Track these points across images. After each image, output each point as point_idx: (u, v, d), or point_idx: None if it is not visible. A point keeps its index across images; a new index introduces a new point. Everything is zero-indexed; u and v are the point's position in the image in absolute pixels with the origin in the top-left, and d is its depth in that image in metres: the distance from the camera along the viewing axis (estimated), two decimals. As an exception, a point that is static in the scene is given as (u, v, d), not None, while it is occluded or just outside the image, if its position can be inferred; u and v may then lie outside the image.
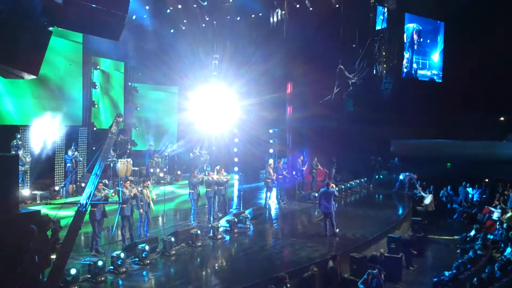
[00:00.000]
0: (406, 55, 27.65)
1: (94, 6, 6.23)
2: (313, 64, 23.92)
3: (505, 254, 12.42)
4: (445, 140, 26.24)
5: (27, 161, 14.94)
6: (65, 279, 8.52)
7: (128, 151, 19.21)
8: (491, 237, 15.08)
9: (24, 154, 14.72)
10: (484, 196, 21.80)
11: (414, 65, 28.42)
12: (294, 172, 20.63)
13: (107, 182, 15.25)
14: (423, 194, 19.16)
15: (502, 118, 27.85)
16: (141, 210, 12.22)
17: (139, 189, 12.35)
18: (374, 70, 23.08)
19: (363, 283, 10.65)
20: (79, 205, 8.60)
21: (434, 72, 29.62)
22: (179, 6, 21.64)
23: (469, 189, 22.42)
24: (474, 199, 21.76)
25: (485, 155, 24.15)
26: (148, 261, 10.55)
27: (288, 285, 9.44)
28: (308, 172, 20.68)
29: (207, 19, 23.16)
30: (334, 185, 14.20)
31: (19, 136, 15.01)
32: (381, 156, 24.92)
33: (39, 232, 7.67)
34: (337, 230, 13.53)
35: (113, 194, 11.70)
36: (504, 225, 16.29)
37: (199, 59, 23.87)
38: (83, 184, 16.04)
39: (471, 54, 25.38)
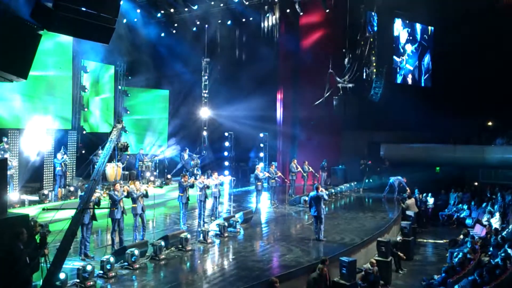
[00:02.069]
0: (396, 59, 27.86)
1: (84, 9, 6.22)
2: (304, 68, 24.06)
3: (502, 254, 12.45)
4: (434, 144, 26.41)
5: (13, 165, 14.82)
6: (54, 284, 8.44)
7: (128, 156, 19.21)
8: (480, 241, 15.17)
9: (11, 158, 14.60)
10: (473, 201, 21.98)
11: (404, 70, 28.64)
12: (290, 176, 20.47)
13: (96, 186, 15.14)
14: (405, 195, 19.33)
15: (489, 123, 28.11)
16: (140, 201, 12.15)
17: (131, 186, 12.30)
18: (364, 75, 23.23)
19: (361, 279, 10.76)
20: (76, 210, 8.58)
21: (424, 76, 29.86)
22: (172, 10, 21.65)
23: (459, 193, 22.57)
24: (463, 203, 21.89)
25: (473, 159, 24.33)
26: (137, 266, 10.49)
27: (278, 289, 9.42)
28: (300, 176, 20.67)
29: (198, 23, 23.18)
30: (323, 189, 14.20)
31: (6, 139, 14.88)
32: (371, 160, 25.03)
33: (28, 235, 7.64)
34: (324, 238, 13.49)
35: (104, 195, 11.68)
36: (492, 229, 16.42)
37: (190, 62, 23.89)
38: (71, 188, 15.98)
39: (460, 60, 25.62)
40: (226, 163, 24.87)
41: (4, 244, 6.98)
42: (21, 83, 9.73)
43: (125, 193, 11.86)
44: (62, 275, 8.71)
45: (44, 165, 16.87)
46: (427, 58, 29.95)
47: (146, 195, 12.39)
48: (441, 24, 28.18)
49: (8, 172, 14.09)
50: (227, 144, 24.86)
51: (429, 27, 29.83)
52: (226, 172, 23.17)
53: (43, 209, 10.99)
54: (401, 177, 20.72)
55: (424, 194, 21.47)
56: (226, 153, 25.00)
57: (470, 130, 26.59)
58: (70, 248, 8.09)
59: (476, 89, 25.30)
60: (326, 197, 13.68)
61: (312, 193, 13.53)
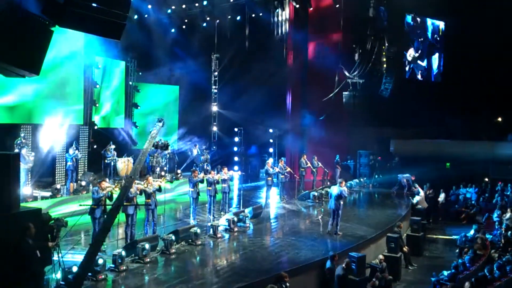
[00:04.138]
0: (407, 55, 27.66)
1: (95, 5, 6.27)
2: (313, 63, 24.01)
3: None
4: (444, 139, 26.24)
5: (31, 159, 14.98)
6: (66, 277, 8.57)
7: (168, 154, 19.30)
8: (490, 237, 15.11)
9: (28, 152, 14.77)
10: (483, 196, 21.87)
11: (414, 65, 28.43)
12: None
13: (107, 180, 15.28)
14: (415, 191, 19.24)
15: (499, 119, 27.87)
16: (153, 196, 12.24)
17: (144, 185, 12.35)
18: (374, 70, 23.13)
19: (372, 285, 10.76)
20: (113, 205, 8.67)
21: (434, 72, 29.62)
22: (183, 6, 21.76)
23: (470, 189, 22.44)
24: (473, 199, 21.78)
25: (484, 155, 24.16)
26: (148, 260, 10.59)
27: (288, 284, 9.46)
28: (310, 171, 20.65)
29: (208, 19, 23.23)
30: (345, 186, 14.31)
31: (23, 134, 15.06)
32: (381, 155, 24.93)
33: (40, 229, 7.75)
34: (340, 233, 13.60)
35: (116, 189, 11.76)
36: (503, 225, 16.32)
37: (200, 58, 23.94)
38: (83, 183, 16.12)
39: (471, 55, 25.40)
40: (236, 158, 24.92)
41: (16, 238, 7.08)
42: (33, 79, 9.81)
43: (138, 192, 11.92)
44: (74, 268, 8.83)
45: (56, 160, 17.04)
46: (438, 54, 29.71)
47: (159, 190, 12.46)
48: (453, 19, 27.93)
49: (25, 166, 14.27)
50: (236, 139, 24.91)
51: (441, 22, 29.58)
52: (236, 167, 23.21)
53: (80, 205, 11.16)
54: (409, 174, 20.66)
55: (431, 190, 21.26)
56: (235, 149, 25.04)
57: (480, 125, 26.38)
58: (103, 244, 8.19)
59: (487, 84, 25.10)
60: (345, 193, 13.76)
61: (334, 187, 13.67)
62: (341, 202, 13.63)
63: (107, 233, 8.50)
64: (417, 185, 19.35)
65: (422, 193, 18.76)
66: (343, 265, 10.37)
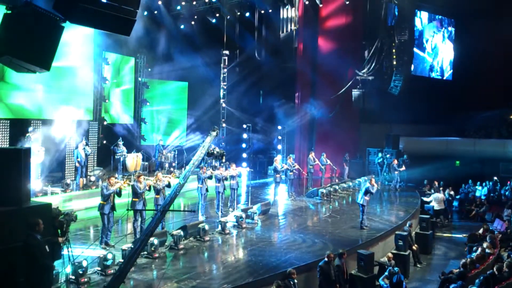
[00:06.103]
0: (417, 52, 27.52)
1: (106, 1, 6.29)
2: (323, 60, 23.94)
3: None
4: (454, 137, 26.09)
5: (41, 154, 15.06)
6: (76, 271, 8.62)
7: (222, 164, 19.34)
8: (499, 235, 15.02)
9: (39, 147, 14.86)
10: (492, 195, 21.74)
11: (424, 62, 28.30)
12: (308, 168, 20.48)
13: (116, 176, 15.38)
14: (432, 191, 19.11)
15: (511, 116, 27.67)
16: (163, 192, 12.30)
17: (154, 181, 12.40)
18: (384, 67, 23.04)
19: (384, 280, 10.73)
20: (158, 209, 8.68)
21: (444, 70, 29.47)
22: (194, 3, 21.80)
23: (478, 187, 22.31)
24: (483, 197, 21.65)
25: (494, 153, 24.00)
26: (157, 255, 10.66)
27: (295, 281, 9.48)
28: (318, 169, 20.64)
29: (217, 15, 23.25)
30: (375, 184, 14.55)
31: (31, 129, 15.15)
32: (390, 153, 24.85)
33: (50, 224, 7.81)
34: (367, 226, 14.18)
35: (125, 184, 11.81)
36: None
37: (209, 55, 23.97)
38: (92, 178, 16.21)
39: (482, 52, 25.23)
40: (244, 155, 24.94)
41: (25, 233, 7.13)
42: (43, 74, 9.90)
43: (148, 188, 11.97)
44: (84, 263, 8.90)
45: (66, 155, 17.15)
46: (448, 51, 29.54)
47: (169, 186, 12.50)
48: (464, 16, 27.77)
49: (35, 161, 14.35)
50: (245, 136, 24.91)
51: (451, 20, 29.40)
52: (244, 164, 23.24)
53: (127, 209, 11.25)
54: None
55: (441, 188, 21.15)
56: (244, 145, 25.07)
57: (491, 123, 26.21)
58: (144, 247, 8.26)
59: (497, 82, 24.93)
60: (371, 190, 14.17)
61: (365, 183, 14.50)
62: (367, 198, 14.10)
63: (148, 238, 8.60)
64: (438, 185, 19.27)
65: (441, 195, 18.64)
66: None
